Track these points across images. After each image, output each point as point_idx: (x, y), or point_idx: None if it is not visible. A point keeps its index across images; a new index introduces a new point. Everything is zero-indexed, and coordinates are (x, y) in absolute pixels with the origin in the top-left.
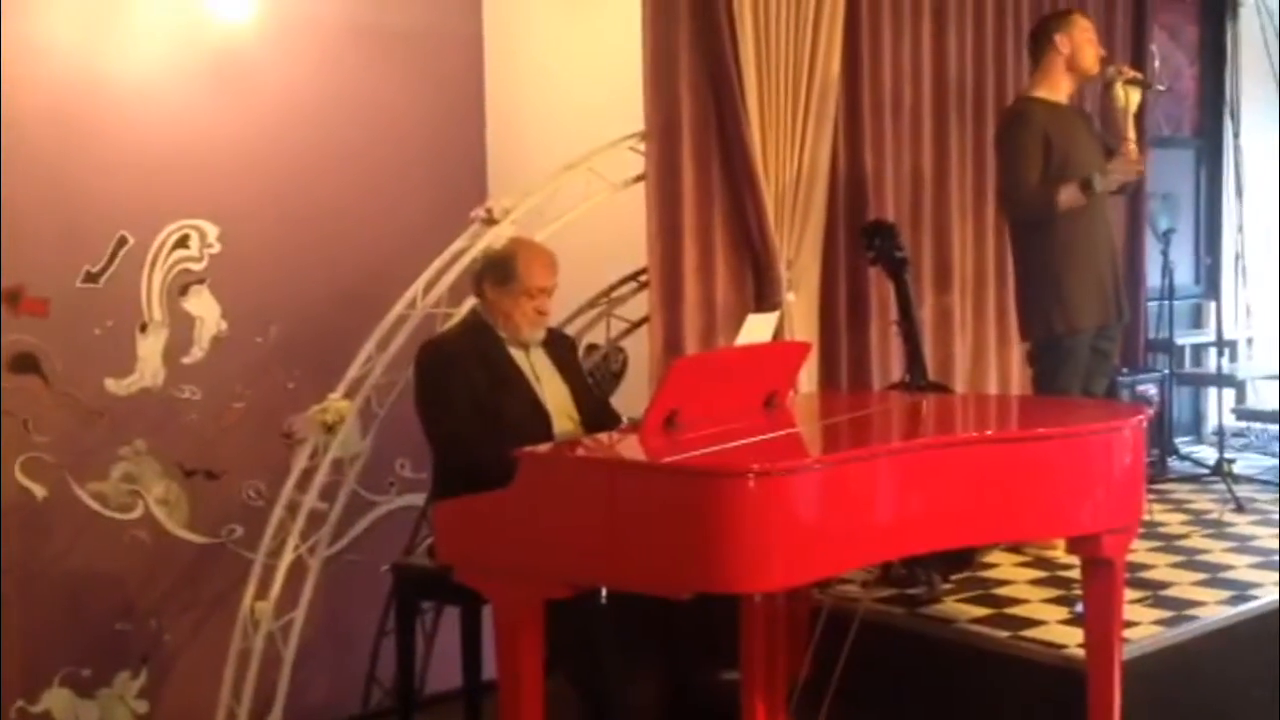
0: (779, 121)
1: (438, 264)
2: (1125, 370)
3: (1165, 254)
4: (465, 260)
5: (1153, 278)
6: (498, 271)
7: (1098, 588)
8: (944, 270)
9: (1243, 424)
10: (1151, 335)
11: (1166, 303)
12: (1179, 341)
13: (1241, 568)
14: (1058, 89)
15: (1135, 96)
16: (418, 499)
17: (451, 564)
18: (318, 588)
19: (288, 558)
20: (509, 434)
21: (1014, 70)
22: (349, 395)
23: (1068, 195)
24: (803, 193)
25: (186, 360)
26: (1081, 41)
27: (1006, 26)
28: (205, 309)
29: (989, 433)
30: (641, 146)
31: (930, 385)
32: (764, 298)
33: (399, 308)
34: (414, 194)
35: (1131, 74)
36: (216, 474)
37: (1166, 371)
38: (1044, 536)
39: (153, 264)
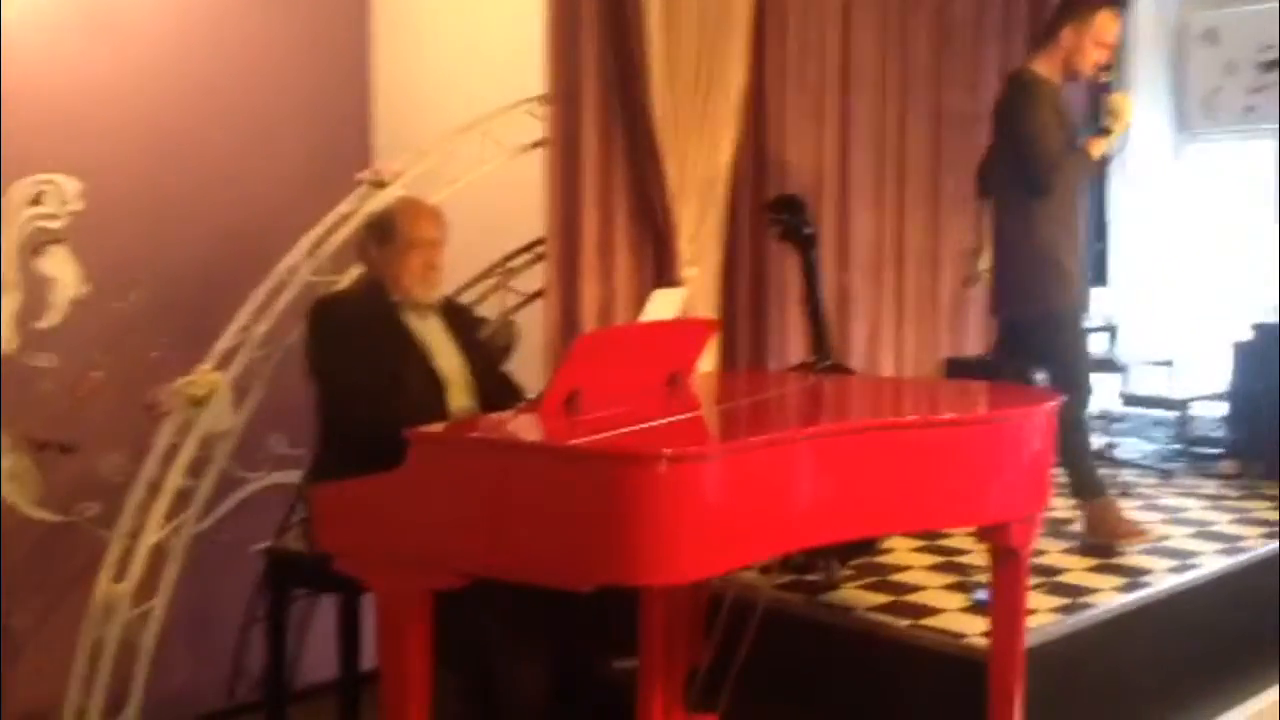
0: (684, 92)
1: (320, 229)
2: None
3: None
4: (351, 225)
5: None
6: (379, 231)
7: (1005, 576)
8: (843, 250)
9: (1127, 409)
10: None
11: None
12: None
13: (1131, 553)
14: (1054, 71)
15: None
16: (292, 476)
17: (331, 552)
18: (181, 571)
19: (149, 539)
20: (405, 408)
21: (914, 44)
22: (220, 367)
23: (1095, 147)
24: (706, 166)
25: (41, 325)
26: (1086, 45)
27: (910, 7)
28: (62, 270)
29: (909, 417)
30: (541, 111)
31: (834, 367)
32: (664, 273)
33: (278, 273)
34: (294, 152)
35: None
36: (71, 447)
37: None
38: (957, 524)
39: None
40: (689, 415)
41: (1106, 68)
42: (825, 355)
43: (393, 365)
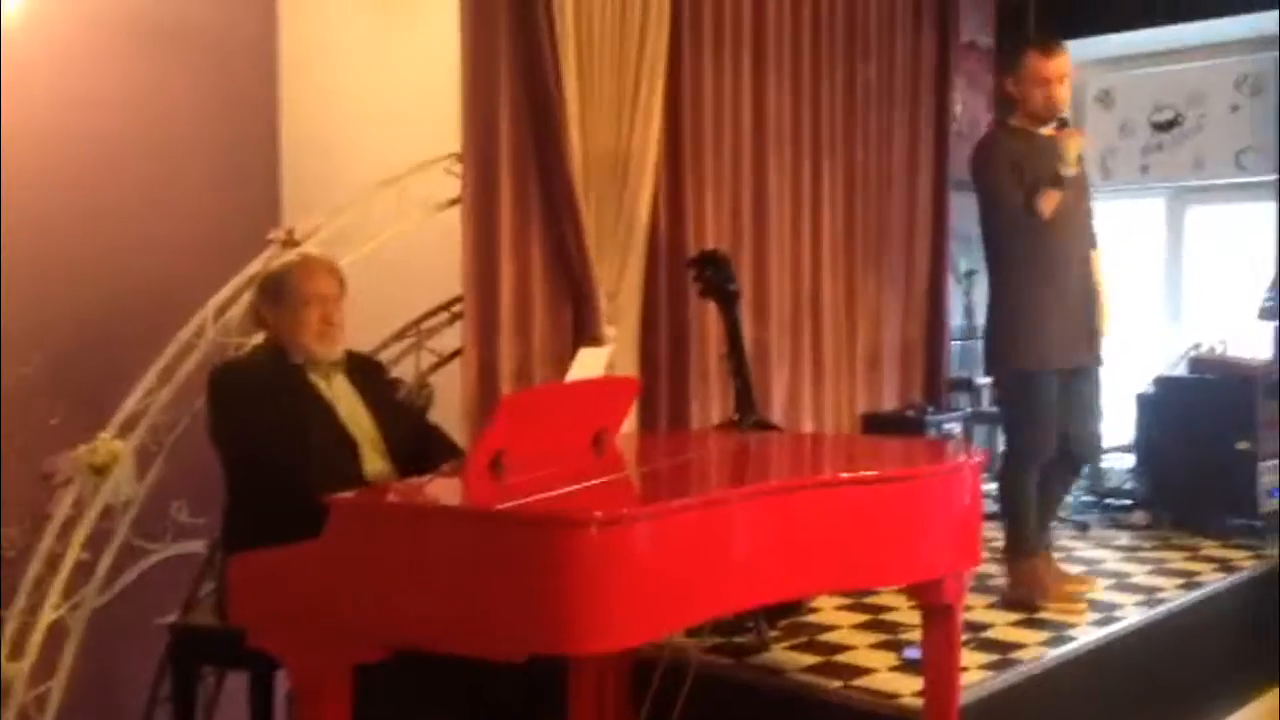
0: (601, 150)
1: (228, 290)
2: (931, 409)
3: (968, 295)
4: None
5: (956, 318)
6: (271, 290)
7: (938, 634)
8: (761, 306)
9: None
10: (954, 374)
11: (968, 342)
12: (978, 381)
13: (1054, 607)
14: (1025, 121)
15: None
16: (195, 546)
17: (247, 625)
18: (80, 649)
19: (47, 616)
20: (317, 473)
21: (829, 107)
22: (122, 434)
23: (1045, 199)
24: (624, 223)
25: None
26: (1028, 89)
27: (822, 65)
28: None
29: (842, 475)
30: (457, 168)
31: (760, 424)
32: (584, 331)
33: (183, 337)
34: (201, 211)
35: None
36: None
37: (969, 410)
38: (892, 582)
39: None
40: (617, 476)
41: (1060, 105)
42: (750, 412)
43: (300, 430)
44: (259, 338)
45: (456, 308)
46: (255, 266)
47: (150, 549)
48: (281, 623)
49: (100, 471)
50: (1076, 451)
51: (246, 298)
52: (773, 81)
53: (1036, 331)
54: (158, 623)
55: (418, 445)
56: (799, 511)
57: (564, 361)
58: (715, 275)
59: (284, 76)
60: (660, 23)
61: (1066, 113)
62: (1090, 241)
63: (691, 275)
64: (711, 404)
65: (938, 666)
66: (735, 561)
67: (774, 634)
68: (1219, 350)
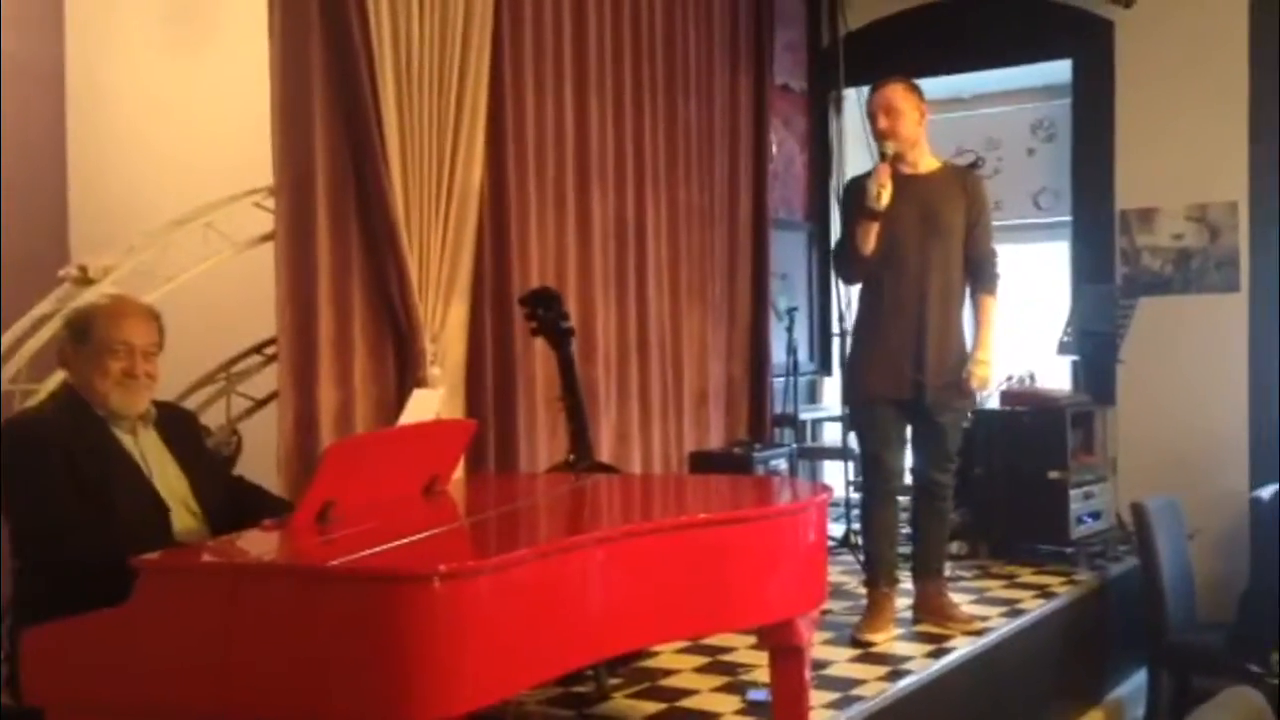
0: (423, 183)
1: (15, 330)
2: (757, 445)
3: (790, 331)
4: (52, 327)
5: (778, 355)
6: (75, 330)
7: (787, 675)
8: (588, 343)
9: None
10: (778, 411)
11: (790, 379)
12: (802, 417)
13: (886, 641)
14: (897, 161)
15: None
16: None
17: (46, 705)
18: None
19: None
20: (123, 535)
21: (650, 142)
22: None
23: (859, 232)
24: (448, 260)
25: None
26: (869, 116)
27: (644, 101)
28: None
29: (700, 516)
30: (269, 202)
31: (597, 465)
32: (407, 373)
33: None
34: None
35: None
36: None
37: (794, 446)
38: (744, 625)
39: None
40: (453, 526)
41: (885, 138)
42: (585, 454)
43: (102, 492)
44: (54, 382)
45: (270, 349)
46: (44, 307)
47: None
48: (86, 699)
49: None
50: (922, 486)
51: (36, 340)
52: (595, 116)
53: (863, 365)
54: None
55: (229, 499)
56: (651, 556)
57: (386, 405)
58: (547, 314)
59: (73, 108)
60: (481, 52)
61: (893, 146)
62: (948, 282)
63: (524, 314)
64: (539, 445)
65: (788, 709)
66: (587, 611)
67: (614, 681)
68: (1028, 383)
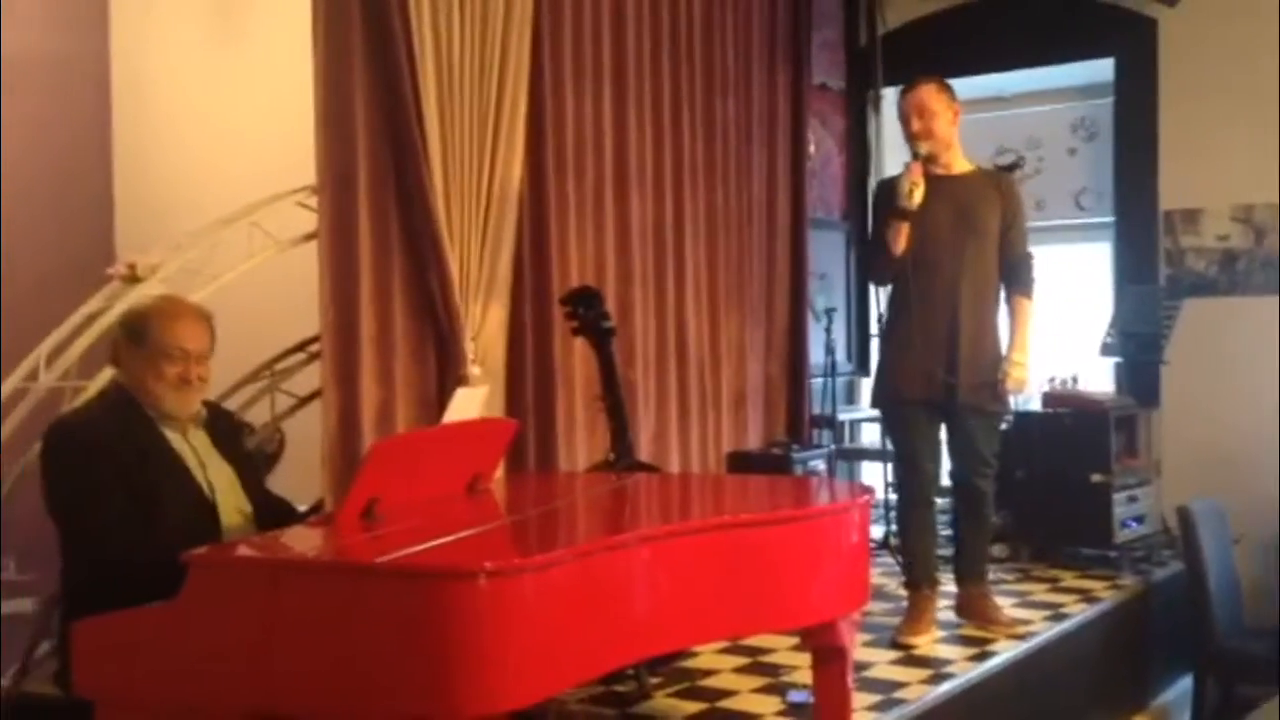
0: (463, 182)
1: (65, 328)
2: (795, 446)
3: (828, 332)
4: (101, 325)
5: (815, 355)
6: (131, 332)
7: (830, 677)
8: (627, 345)
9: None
10: (816, 411)
11: (829, 379)
12: (840, 417)
13: (927, 643)
14: (931, 163)
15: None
16: (24, 605)
17: (96, 697)
18: None
19: None
20: (171, 535)
21: (688, 142)
22: None
23: (890, 234)
24: (488, 259)
25: None
26: (901, 119)
27: (682, 101)
28: None
29: (744, 516)
30: (312, 202)
31: (637, 464)
32: (448, 372)
33: (14, 381)
34: (30, 245)
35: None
36: None
37: (832, 447)
38: (788, 626)
39: None
40: (498, 524)
41: (919, 140)
42: (626, 453)
43: (151, 494)
44: (104, 379)
45: (313, 347)
46: (92, 305)
47: None
48: (136, 692)
49: None
50: (960, 490)
51: (84, 339)
52: (633, 116)
53: (894, 366)
54: None
55: (266, 505)
56: (695, 556)
57: (427, 404)
58: (588, 313)
59: (118, 105)
60: (520, 52)
61: (927, 147)
62: (982, 284)
63: (564, 313)
64: (578, 444)
65: (831, 712)
66: (630, 611)
67: (654, 680)
68: (1070, 385)
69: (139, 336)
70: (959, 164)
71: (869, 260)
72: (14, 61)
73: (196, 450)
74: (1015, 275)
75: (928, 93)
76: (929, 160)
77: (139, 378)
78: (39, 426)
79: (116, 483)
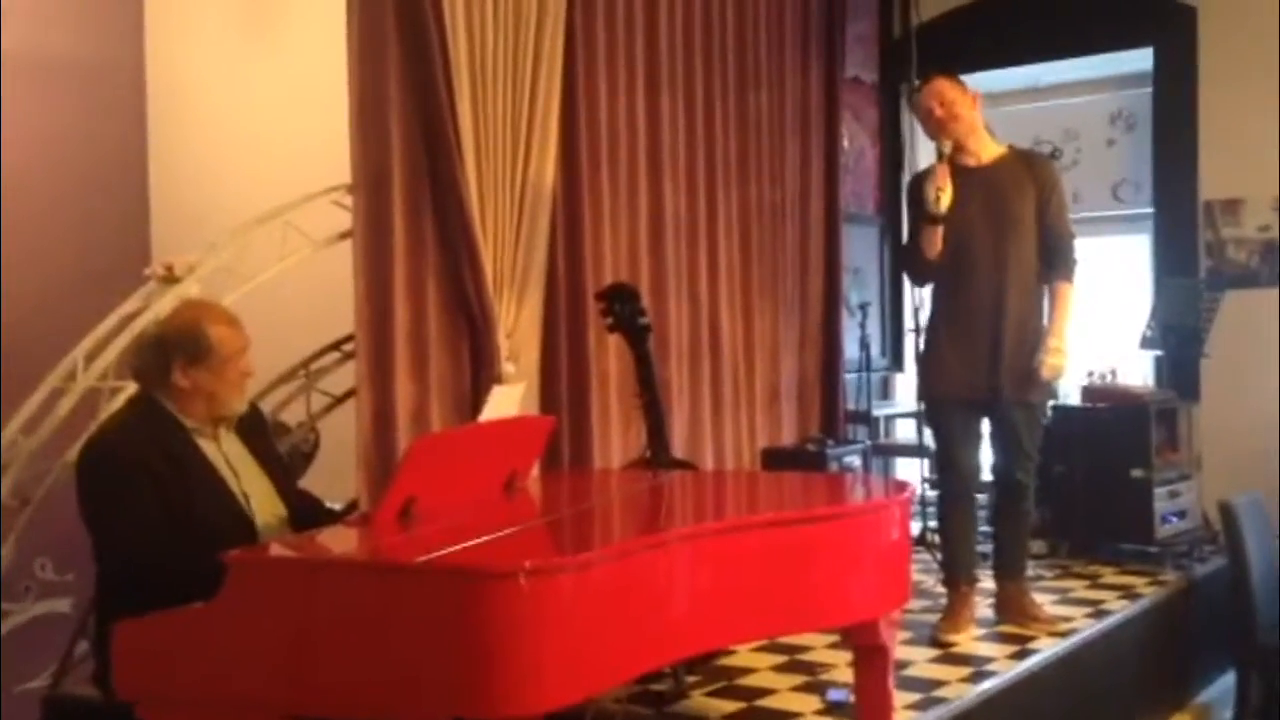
0: (497, 179)
1: (102, 329)
2: (830, 442)
3: (863, 327)
4: (138, 325)
5: (850, 350)
6: (188, 350)
7: (871, 676)
8: (660, 341)
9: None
10: (851, 407)
11: (863, 375)
12: (875, 413)
13: (967, 641)
14: (959, 153)
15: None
16: (61, 605)
17: (136, 698)
18: None
19: None
20: (207, 546)
21: (721, 136)
22: None
23: (922, 238)
24: (522, 256)
25: None
26: (922, 115)
27: (715, 94)
28: None
29: (785, 514)
30: (347, 201)
31: (674, 462)
32: (483, 369)
33: (51, 381)
34: (66, 245)
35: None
36: None
37: (868, 443)
38: (829, 625)
39: None
40: (535, 523)
41: (941, 132)
42: (662, 450)
43: (186, 505)
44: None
45: (347, 346)
46: (131, 305)
47: (10, 610)
48: (176, 692)
49: None
50: (1001, 485)
51: (122, 338)
52: (666, 110)
53: (938, 365)
54: (20, 690)
55: (307, 507)
56: (735, 554)
57: (461, 401)
58: (624, 309)
59: (153, 109)
60: (553, 48)
61: (949, 144)
62: (1024, 277)
63: (600, 309)
64: (613, 441)
65: (872, 711)
66: (670, 610)
67: (692, 679)
68: (1109, 379)
69: (199, 350)
70: (987, 150)
71: (907, 263)
72: (52, 67)
73: (229, 458)
74: (1055, 258)
75: (939, 83)
76: (958, 150)
77: (206, 390)
78: (78, 427)
79: (153, 498)
